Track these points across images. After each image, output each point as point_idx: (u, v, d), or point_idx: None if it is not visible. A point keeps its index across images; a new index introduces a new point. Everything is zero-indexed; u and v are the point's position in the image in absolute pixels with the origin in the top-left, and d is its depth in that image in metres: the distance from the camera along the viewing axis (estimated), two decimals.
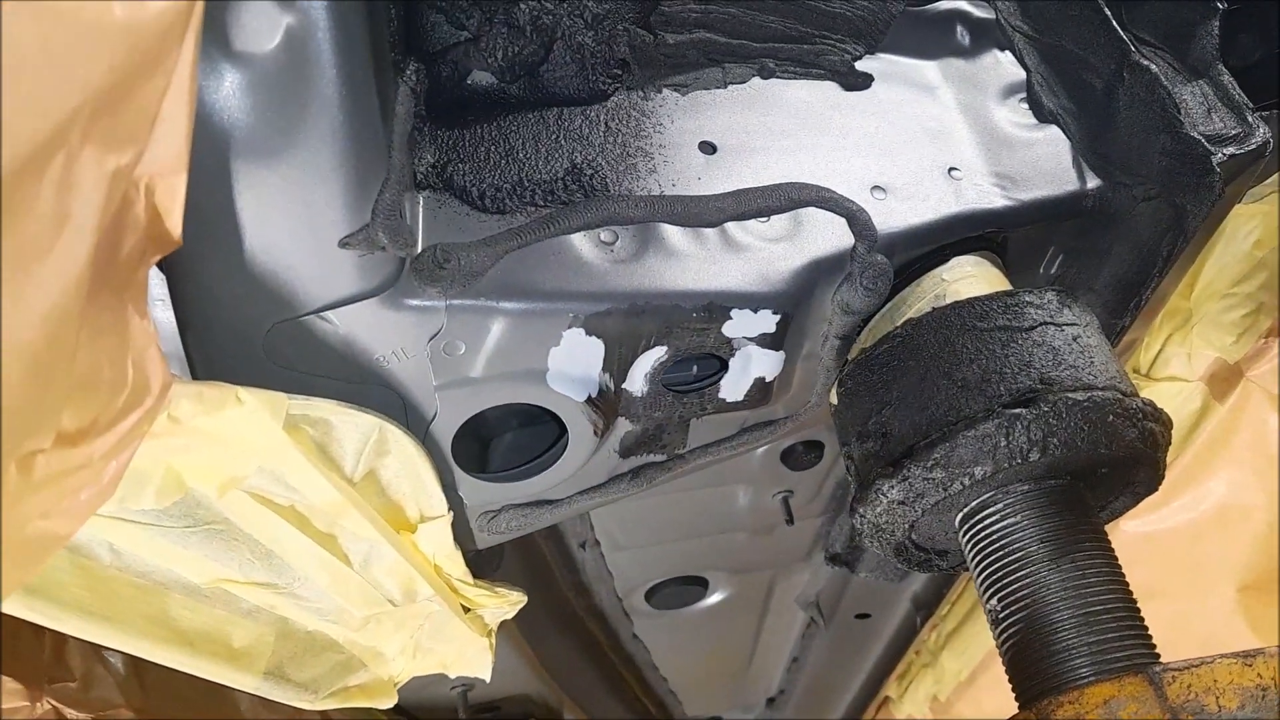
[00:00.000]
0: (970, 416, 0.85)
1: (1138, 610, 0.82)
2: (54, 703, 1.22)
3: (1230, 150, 0.98)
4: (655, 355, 0.96)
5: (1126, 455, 0.86)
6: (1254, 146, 0.99)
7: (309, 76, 0.69)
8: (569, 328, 0.90)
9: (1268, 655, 0.69)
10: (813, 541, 1.75)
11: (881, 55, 1.12)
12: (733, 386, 1.03)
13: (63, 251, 0.52)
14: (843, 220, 0.97)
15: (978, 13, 1.18)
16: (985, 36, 1.18)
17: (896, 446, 0.89)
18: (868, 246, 0.96)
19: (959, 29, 1.18)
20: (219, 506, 0.87)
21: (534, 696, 2.01)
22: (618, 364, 0.95)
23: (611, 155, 0.94)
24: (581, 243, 0.90)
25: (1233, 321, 1.40)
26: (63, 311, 0.54)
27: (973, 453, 0.84)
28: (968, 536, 0.90)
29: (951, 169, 1.05)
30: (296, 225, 0.76)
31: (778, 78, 1.07)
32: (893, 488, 0.87)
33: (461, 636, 1.13)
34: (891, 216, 0.99)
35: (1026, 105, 1.14)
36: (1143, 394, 0.89)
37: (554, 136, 0.93)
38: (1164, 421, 0.89)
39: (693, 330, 0.94)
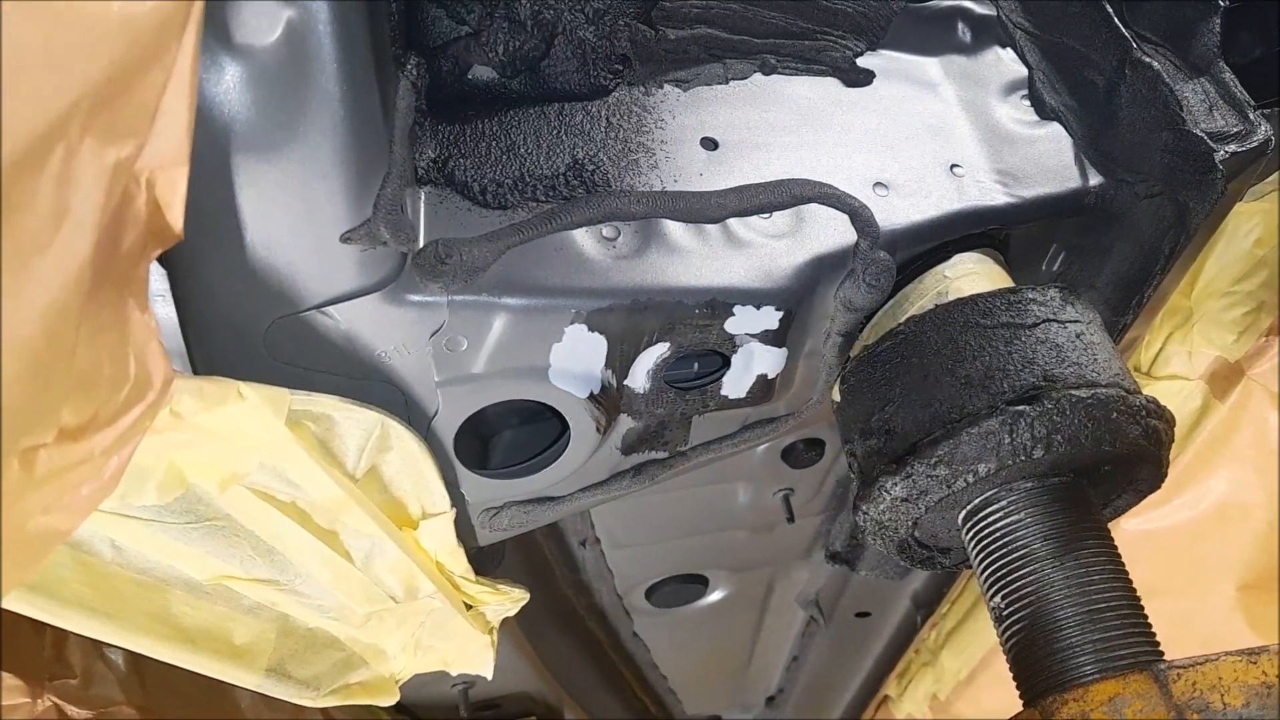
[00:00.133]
0: (974, 413, 0.85)
1: (1142, 608, 0.82)
2: (55, 699, 1.22)
3: (1232, 148, 0.98)
4: (658, 352, 0.96)
5: (1130, 452, 0.86)
6: (1255, 144, 0.99)
7: (310, 71, 0.68)
8: (571, 324, 0.89)
9: (1272, 653, 0.69)
10: (813, 539, 1.75)
11: (883, 52, 1.12)
12: (735, 383, 1.03)
13: (63, 246, 0.52)
14: (845, 217, 0.96)
15: (979, 9, 1.18)
16: (986, 33, 1.18)
17: (900, 443, 0.89)
18: (870, 243, 0.96)
19: (960, 26, 1.18)
20: (220, 502, 0.86)
21: (534, 694, 2.01)
22: (620, 360, 0.95)
23: (613, 151, 0.94)
24: (583, 239, 0.90)
25: (1233, 320, 1.40)
26: (63, 306, 0.53)
27: (976, 450, 0.84)
28: (971, 534, 0.90)
29: (953, 166, 1.05)
30: (297, 220, 0.76)
31: (779, 74, 1.07)
32: (896, 485, 0.87)
33: (463, 634, 1.13)
34: (894, 213, 0.99)
35: (1028, 102, 1.14)
36: (1144, 392, 0.89)
37: (555, 132, 0.93)
38: (1167, 419, 0.89)
39: (695, 327, 0.94)
